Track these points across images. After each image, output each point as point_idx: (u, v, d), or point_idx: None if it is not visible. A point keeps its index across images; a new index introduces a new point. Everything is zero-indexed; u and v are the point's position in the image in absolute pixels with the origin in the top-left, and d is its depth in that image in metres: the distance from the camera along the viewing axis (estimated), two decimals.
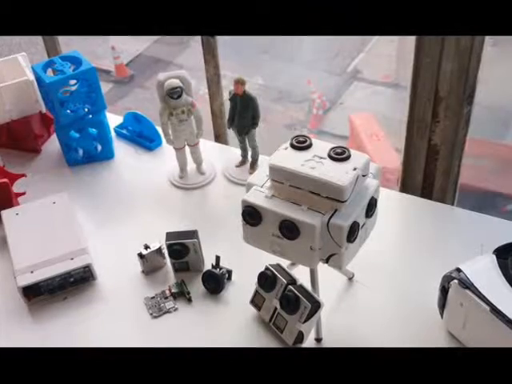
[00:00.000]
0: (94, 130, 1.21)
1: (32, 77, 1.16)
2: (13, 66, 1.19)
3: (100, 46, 3.97)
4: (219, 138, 1.40)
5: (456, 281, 0.79)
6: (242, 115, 1.07)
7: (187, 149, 1.13)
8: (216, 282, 0.93)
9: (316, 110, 3.64)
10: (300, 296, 0.82)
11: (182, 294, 0.94)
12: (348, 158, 0.75)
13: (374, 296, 0.91)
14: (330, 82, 3.76)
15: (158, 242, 0.97)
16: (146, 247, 0.96)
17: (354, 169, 0.73)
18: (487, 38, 0.95)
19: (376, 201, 0.78)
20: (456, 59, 0.96)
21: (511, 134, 3.05)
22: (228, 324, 0.89)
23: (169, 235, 0.95)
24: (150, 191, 1.15)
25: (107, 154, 1.24)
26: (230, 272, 0.95)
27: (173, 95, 1.04)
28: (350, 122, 3.28)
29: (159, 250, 0.97)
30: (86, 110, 1.18)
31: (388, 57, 3.80)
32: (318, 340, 0.86)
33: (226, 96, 1.27)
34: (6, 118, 1.18)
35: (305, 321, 0.81)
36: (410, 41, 0.99)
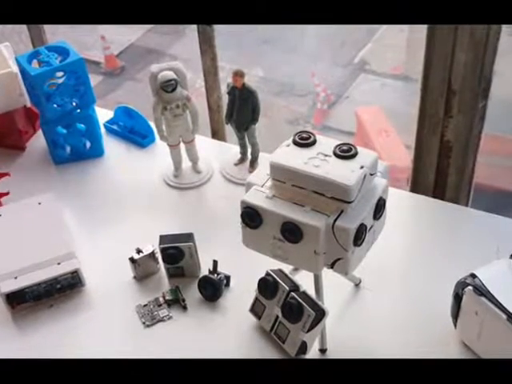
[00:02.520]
0: (82, 125, 1.21)
1: (16, 69, 1.15)
2: None
3: (89, 36, 3.97)
4: (216, 134, 1.40)
5: (470, 287, 0.79)
6: (241, 110, 1.07)
7: (182, 146, 1.13)
8: (213, 289, 0.93)
9: (320, 105, 3.64)
10: (303, 303, 0.82)
11: (176, 301, 0.94)
12: (355, 155, 0.75)
13: (383, 303, 0.91)
14: (335, 74, 3.76)
15: (151, 245, 0.97)
16: (138, 251, 0.96)
17: (361, 167, 0.73)
18: (504, 27, 0.95)
19: (384, 201, 0.79)
20: (470, 50, 0.96)
21: None
22: (226, 333, 0.89)
23: (162, 238, 0.95)
24: (142, 191, 1.15)
25: (96, 152, 1.24)
26: (228, 278, 0.95)
27: (167, 88, 1.04)
28: (357, 117, 3.28)
29: (152, 255, 0.97)
30: (74, 104, 1.18)
31: (397, 47, 3.80)
32: (323, 350, 0.86)
33: (223, 89, 1.27)
34: None
35: (308, 330, 0.81)
36: (421, 30, 0.99)
